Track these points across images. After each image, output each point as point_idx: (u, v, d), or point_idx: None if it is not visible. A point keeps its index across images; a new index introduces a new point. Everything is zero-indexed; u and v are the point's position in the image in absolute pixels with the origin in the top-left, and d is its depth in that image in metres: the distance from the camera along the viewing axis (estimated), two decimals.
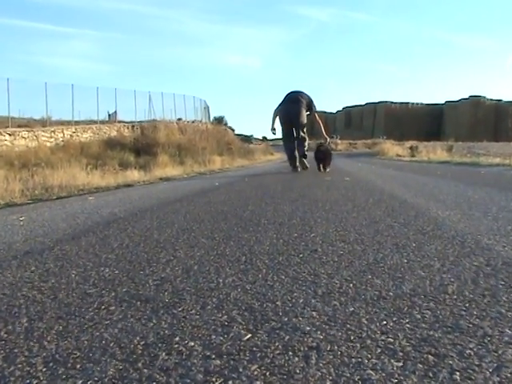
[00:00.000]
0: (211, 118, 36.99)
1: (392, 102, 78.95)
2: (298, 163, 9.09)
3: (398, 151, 27.30)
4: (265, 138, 64.64)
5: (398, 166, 12.49)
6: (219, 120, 43.55)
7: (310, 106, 9.13)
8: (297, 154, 9.08)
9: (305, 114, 9.00)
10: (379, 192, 4.46)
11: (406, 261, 1.68)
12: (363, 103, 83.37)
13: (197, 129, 25.73)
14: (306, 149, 9.18)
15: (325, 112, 75.30)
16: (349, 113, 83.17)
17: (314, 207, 3.33)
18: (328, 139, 9.34)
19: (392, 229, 2.35)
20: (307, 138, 9.23)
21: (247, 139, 49.17)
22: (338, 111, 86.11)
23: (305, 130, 9.11)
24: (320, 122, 9.28)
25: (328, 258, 1.75)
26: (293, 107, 8.89)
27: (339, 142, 44.32)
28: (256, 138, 64.02)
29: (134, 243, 2.18)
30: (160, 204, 4.05)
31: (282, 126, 9.15)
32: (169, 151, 18.17)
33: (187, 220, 2.90)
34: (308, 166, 9.14)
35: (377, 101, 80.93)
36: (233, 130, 42.50)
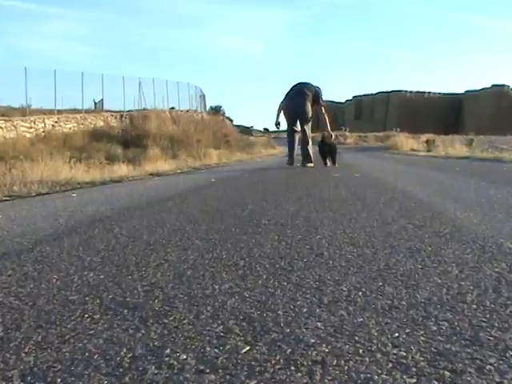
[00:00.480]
0: (207, 108, 37.09)
1: (406, 91, 78.76)
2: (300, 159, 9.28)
3: (413, 145, 27.31)
4: (266, 130, 64.59)
5: (413, 162, 12.50)
6: (216, 110, 43.66)
7: (317, 98, 9.39)
8: (298, 147, 9.29)
9: (310, 108, 9.33)
10: (392, 190, 4.47)
11: (420, 266, 1.68)
12: (375, 92, 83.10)
13: (191, 119, 25.76)
14: (310, 145, 9.31)
15: (332, 102, 75.14)
16: (359, 102, 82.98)
17: (319, 206, 3.33)
18: (333, 136, 9.50)
19: (406, 231, 2.35)
20: (310, 135, 9.41)
21: (247, 131, 49.17)
22: (346, 101, 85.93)
23: (310, 124, 9.32)
24: (326, 116, 9.49)
25: (335, 263, 1.75)
26: (298, 101, 9.24)
27: (348, 134, 44.22)
28: (257, 130, 64.02)
29: (122, 245, 2.19)
30: (150, 202, 4.05)
31: (286, 120, 9.51)
32: (160, 143, 18.19)
33: (180, 220, 2.91)
34: (313, 164, 9.17)
35: (390, 89, 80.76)
36: (231, 121, 42.59)
